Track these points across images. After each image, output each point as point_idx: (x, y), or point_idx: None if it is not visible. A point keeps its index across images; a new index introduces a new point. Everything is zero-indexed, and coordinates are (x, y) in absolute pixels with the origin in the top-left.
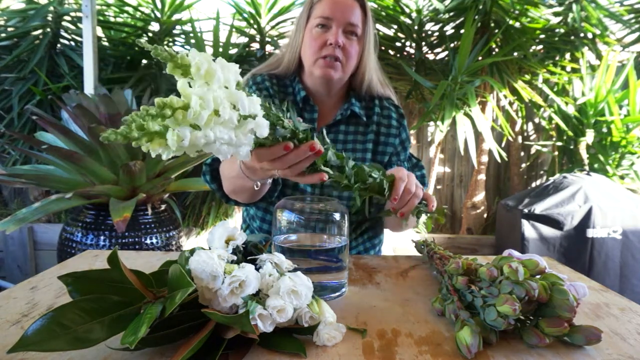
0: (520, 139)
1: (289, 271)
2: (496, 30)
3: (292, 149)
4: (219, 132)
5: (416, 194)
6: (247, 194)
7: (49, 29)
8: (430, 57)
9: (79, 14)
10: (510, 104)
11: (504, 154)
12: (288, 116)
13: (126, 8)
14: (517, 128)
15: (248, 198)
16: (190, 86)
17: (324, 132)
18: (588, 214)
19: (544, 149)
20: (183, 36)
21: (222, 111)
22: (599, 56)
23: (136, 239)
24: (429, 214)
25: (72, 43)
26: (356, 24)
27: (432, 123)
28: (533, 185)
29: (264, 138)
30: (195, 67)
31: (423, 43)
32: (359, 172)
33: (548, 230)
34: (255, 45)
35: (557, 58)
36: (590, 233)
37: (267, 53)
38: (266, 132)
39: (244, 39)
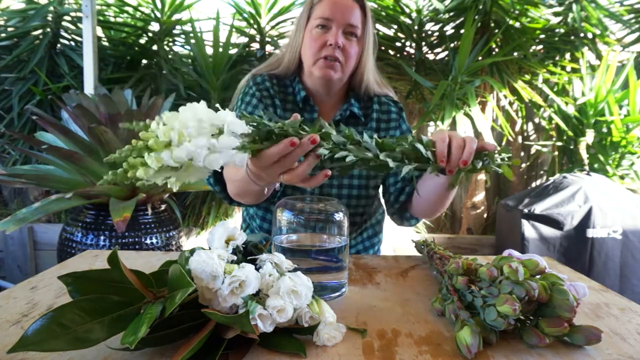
0: (520, 139)
1: (289, 271)
2: (496, 30)
3: (296, 146)
4: (197, 142)
5: (470, 140)
6: (252, 197)
7: (49, 29)
8: (430, 57)
9: (79, 14)
10: (510, 104)
11: None
12: (272, 119)
13: (126, 8)
14: (517, 128)
15: (253, 201)
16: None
17: (321, 120)
18: (588, 214)
19: (544, 149)
20: (183, 36)
21: (188, 126)
22: (599, 56)
23: (136, 239)
24: (500, 157)
25: (72, 43)
26: (356, 25)
27: (432, 123)
28: (533, 185)
29: (260, 142)
30: (163, 137)
31: (423, 43)
32: (382, 145)
33: (548, 230)
34: (255, 45)
35: (557, 58)
36: (590, 233)
37: (267, 53)
38: (241, 127)
39: (244, 39)
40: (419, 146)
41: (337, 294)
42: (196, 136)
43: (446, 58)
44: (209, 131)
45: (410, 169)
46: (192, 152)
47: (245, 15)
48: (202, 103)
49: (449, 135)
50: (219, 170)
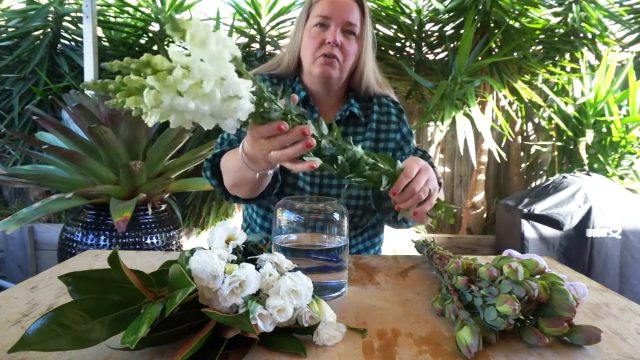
0: (520, 139)
1: (289, 271)
2: (496, 31)
3: (286, 131)
4: (200, 105)
5: (433, 193)
6: (248, 187)
7: (49, 29)
8: (430, 57)
9: (79, 14)
10: (510, 104)
11: (503, 154)
12: (283, 102)
13: (126, 8)
14: (517, 128)
15: (248, 191)
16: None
17: (321, 120)
18: (588, 214)
19: (544, 149)
20: None
21: (206, 84)
22: (598, 56)
23: (136, 239)
24: (434, 213)
25: (73, 43)
26: (354, 23)
27: (432, 123)
28: (533, 185)
29: (261, 117)
30: (190, 35)
31: (423, 43)
32: (356, 162)
33: (548, 230)
34: (256, 46)
35: (556, 58)
36: (590, 233)
37: (267, 53)
38: (245, 116)
39: (244, 39)
40: (385, 178)
41: (337, 293)
42: (205, 96)
43: (446, 58)
44: (219, 95)
45: (356, 182)
46: (191, 110)
47: (245, 16)
48: (231, 43)
49: (420, 170)
50: (217, 164)
